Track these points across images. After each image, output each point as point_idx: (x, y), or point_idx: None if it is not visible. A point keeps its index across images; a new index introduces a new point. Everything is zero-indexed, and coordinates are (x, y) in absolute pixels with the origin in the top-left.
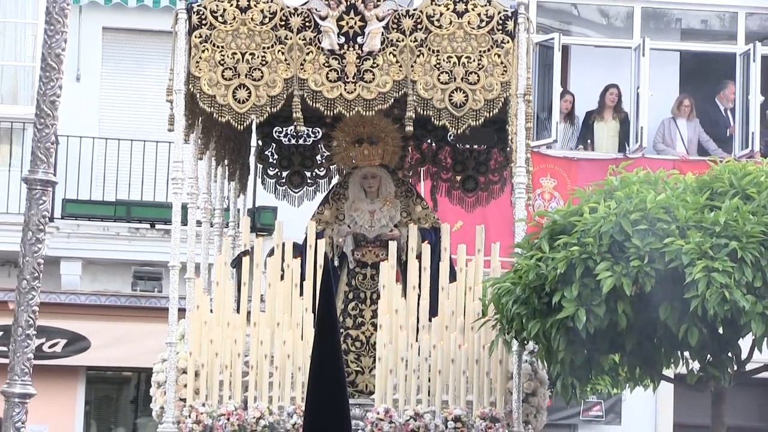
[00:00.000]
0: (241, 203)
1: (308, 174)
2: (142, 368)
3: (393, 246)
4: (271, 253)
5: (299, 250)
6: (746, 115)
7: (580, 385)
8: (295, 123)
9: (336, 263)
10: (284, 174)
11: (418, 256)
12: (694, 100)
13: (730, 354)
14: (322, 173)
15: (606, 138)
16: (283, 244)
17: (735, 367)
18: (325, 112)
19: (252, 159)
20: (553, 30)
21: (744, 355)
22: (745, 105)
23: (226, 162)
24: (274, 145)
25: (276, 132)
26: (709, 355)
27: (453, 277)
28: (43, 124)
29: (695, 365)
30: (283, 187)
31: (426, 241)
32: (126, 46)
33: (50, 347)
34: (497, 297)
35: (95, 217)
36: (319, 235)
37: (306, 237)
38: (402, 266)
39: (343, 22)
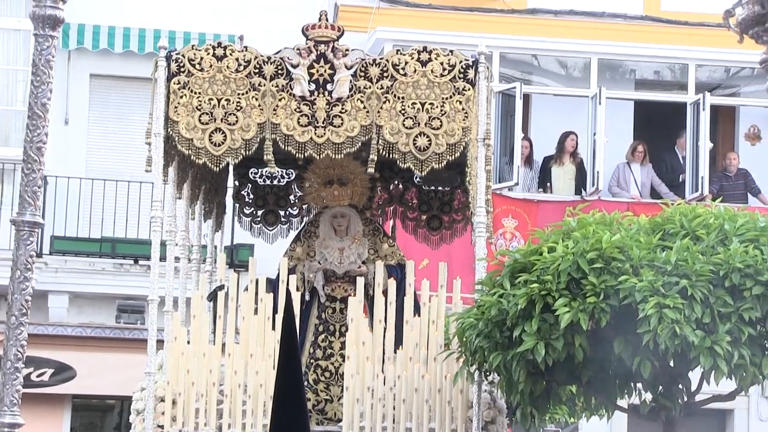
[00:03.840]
0: (219, 240)
1: (282, 213)
2: (125, 396)
3: (360, 282)
4: (247, 289)
5: (272, 285)
6: (696, 160)
7: (539, 414)
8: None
9: (307, 297)
10: (259, 213)
11: (385, 292)
12: (647, 146)
13: (680, 386)
14: (295, 212)
15: (563, 181)
16: (257, 280)
17: (685, 398)
18: (297, 155)
19: (228, 198)
20: (515, 79)
21: (693, 387)
22: (696, 151)
23: (200, 201)
24: (250, 185)
25: (252, 173)
26: (660, 387)
27: (417, 311)
28: (30, 169)
29: (648, 396)
30: (258, 225)
31: (392, 277)
32: (112, 91)
33: (38, 376)
34: (461, 331)
35: (82, 253)
36: (291, 271)
37: (279, 272)
38: (369, 301)
39: (313, 70)
